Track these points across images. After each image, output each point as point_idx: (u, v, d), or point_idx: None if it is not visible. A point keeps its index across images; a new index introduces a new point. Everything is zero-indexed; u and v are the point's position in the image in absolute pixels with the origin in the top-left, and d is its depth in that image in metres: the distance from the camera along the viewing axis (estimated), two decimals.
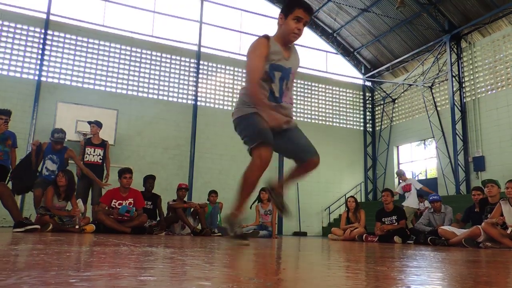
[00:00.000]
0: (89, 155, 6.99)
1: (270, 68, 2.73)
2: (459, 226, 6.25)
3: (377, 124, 17.18)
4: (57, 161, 6.25)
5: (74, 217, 5.60)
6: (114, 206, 6.10)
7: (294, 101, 15.78)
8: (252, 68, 2.71)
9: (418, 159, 15.95)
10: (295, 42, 2.97)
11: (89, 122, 7.34)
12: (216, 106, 14.54)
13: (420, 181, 14.84)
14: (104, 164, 7.11)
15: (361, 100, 17.32)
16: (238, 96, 2.87)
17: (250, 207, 10.70)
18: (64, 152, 6.36)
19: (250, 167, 2.67)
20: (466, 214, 6.51)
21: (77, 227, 5.48)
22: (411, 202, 9.28)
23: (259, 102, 2.68)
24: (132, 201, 6.21)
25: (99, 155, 7.05)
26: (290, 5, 2.73)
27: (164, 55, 14.01)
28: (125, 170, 6.39)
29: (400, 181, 9.95)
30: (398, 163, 16.27)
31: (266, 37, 2.79)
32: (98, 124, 7.23)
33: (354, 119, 17.07)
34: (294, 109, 14.11)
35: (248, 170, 2.68)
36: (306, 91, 16.23)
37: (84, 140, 7.31)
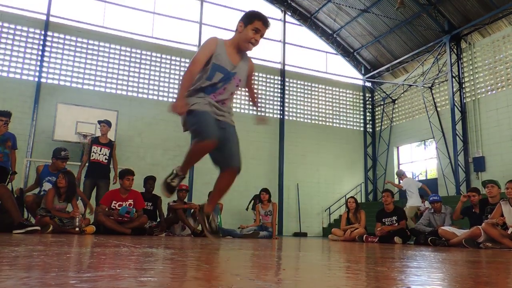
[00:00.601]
0: (95, 153, 7.05)
1: (212, 67, 2.84)
2: (457, 226, 6.25)
3: (377, 125, 17.18)
4: None
5: (74, 218, 5.60)
6: (114, 207, 6.09)
7: (295, 102, 15.91)
8: (195, 60, 2.85)
9: (418, 160, 15.95)
10: (249, 52, 3.10)
11: (99, 122, 7.40)
12: None
13: (420, 181, 14.85)
14: (111, 165, 7.19)
15: (361, 101, 17.33)
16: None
17: (247, 209, 10.73)
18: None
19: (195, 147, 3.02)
20: (463, 210, 6.51)
21: (77, 229, 5.48)
22: (414, 201, 9.26)
23: (180, 92, 2.83)
24: (132, 202, 6.21)
25: (105, 154, 7.10)
26: (251, 16, 2.90)
27: (164, 56, 14.02)
28: (128, 171, 6.38)
29: (400, 181, 9.95)
30: (398, 164, 16.27)
31: (216, 38, 2.96)
32: (108, 124, 7.34)
33: (354, 120, 17.07)
34: (294, 110, 14.02)
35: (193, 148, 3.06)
36: (306, 91, 16.24)
37: (92, 139, 7.38)
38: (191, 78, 2.84)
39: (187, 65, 14.28)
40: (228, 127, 3.01)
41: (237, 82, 2.96)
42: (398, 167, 16.24)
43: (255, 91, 3.18)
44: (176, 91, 14.01)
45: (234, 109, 15.47)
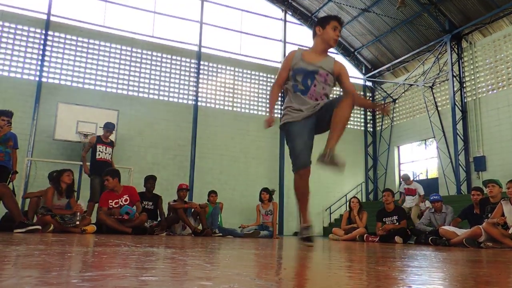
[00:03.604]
0: (101, 152, 7.21)
1: (292, 74, 3.27)
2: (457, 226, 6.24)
3: (377, 124, 17.17)
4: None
5: (76, 214, 5.62)
6: (111, 206, 6.12)
7: None
8: (277, 76, 3.38)
9: (419, 159, 15.94)
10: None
11: (106, 127, 7.47)
12: (217, 106, 14.55)
13: (421, 181, 14.84)
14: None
15: None
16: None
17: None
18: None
19: (294, 182, 3.26)
20: (463, 212, 6.50)
21: (77, 223, 5.51)
22: (409, 202, 9.28)
23: (269, 108, 3.38)
24: (128, 198, 6.22)
25: (109, 153, 7.33)
26: (326, 18, 3.34)
27: (164, 55, 14.02)
28: (105, 172, 6.35)
29: (405, 185, 9.85)
30: (399, 163, 16.27)
31: (294, 51, 3.37)
32: (113, 129, 7.61)
33: (355, 119, 17.06)
34: None
35: (294, 184, 3.26)
36: None
37: (96, 138, 7.49)
38: (274, 91, 3.37)
39: (187, 64, 14.34)
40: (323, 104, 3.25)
41: (324, 77, 3.27)
42: (399, 167, 16.24)
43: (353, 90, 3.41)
44: (176, 90, 14.02)
45: (234, 109, 15.46)
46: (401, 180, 10.21)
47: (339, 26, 3.31)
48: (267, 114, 14.55)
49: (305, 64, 3.23)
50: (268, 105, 3.36)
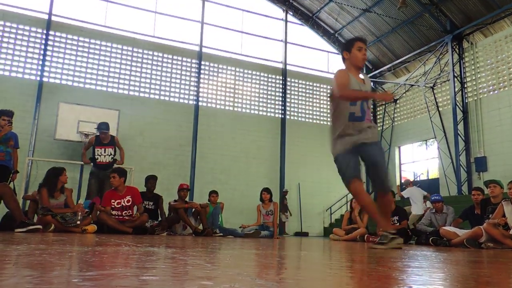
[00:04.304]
0: (100, 156, 7.08)
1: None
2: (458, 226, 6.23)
3: (378, 125, 17.16)
4: None
5: (77, 213, 5.63)
6: (113, 206, 6.12)
7: (296, 101, 15.91)
8: (339, 87, 3.41)
9: (419, 160, 15.93)
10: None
11: (99, 131, 7.29)
12: (218, 106, 14.55)
13: (422, 181, 14.83)
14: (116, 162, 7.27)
15: None
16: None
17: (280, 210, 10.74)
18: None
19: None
20: (464, 213, 6.49)
21: (78, 222, 5.52)
22: (416, 210, 9.15)
23: (358, 94, 3.41)
24: (130, 199, 6.22)
25: (110, 154, 7.15)
26: (350, 42, 3.52)
27: (165, 55, 14.03)
28: (113, 170, 6.40)
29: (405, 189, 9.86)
30: (400, 164, 16.26)
31: (343, 69, 3.52)
32: (107, 129, 7.29)
33: None
34: (296, 109, 14.03)
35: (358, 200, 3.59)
36: (307, 91, 16.23)
37: (95, 139, 7.33)
38: (347, 92, 3.41)
39: (188, 64, 14.35)
40: (373, 146, 3.46)
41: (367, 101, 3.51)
42: (400, 167, 16.24)
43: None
44: (177, 90, 14.02)
45: (235, 109, 15.47)
46: (404, 186, 10.17)
47: (364, 45, 3.48)
48: (269, 114, 14.37)
49: (358, 85, 3.41)
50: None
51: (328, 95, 3.49)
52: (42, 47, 12.35)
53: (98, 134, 7.50)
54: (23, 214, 5.10)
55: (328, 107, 16.49)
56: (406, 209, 8.27)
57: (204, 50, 14.66)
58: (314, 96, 16.31)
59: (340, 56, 16.54)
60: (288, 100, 15.69)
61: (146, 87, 13.57)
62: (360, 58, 3.42)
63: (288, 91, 15.77)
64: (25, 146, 11.06)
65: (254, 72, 15.36)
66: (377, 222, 3.52)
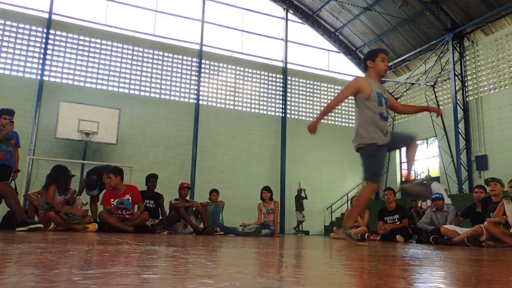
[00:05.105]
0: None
1: (378, 95, 3.69)
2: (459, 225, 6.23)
3: None
4: None
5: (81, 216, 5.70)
6: (113, 205, 6.12)
7: (297, 100, 15.91)
8: (341, 93, 3.89)
9: (420, 158, 15.92)
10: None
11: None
12: (218, 105, 14.55)
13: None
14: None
15: None
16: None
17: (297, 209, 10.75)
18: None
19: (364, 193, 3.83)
20: (465, 211, 6.48)
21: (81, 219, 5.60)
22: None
23: (320, 115, 3.94)
24: (130, 197, 6.22)
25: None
26: (374, 52, 3.87)
27: (166, 54, 14.03)
28: (108, 170, 6.30)
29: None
30: (401, 162, 16.25)
31: (361, 77, 3.89)
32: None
33: None
34: (296, 108, 14.02)
35: (364, 194, 3.81)
36: (308, 90, 16.22)
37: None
38: (338, 100, 3.97)
39: (189, 63, 14.34)
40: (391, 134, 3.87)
41: (387, 104, 3.86)
42: (401, 166, 16.23)
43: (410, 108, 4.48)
44: (177, 89, 14.02)
45: (235, 108, 15.47)
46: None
47: (387, 57, 3.88)
48: (269, 113, 14.40)
49: (381, 91, 3.76)
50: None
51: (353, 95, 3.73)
52: (43, 46, 12.35)
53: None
54: (24, 213, 5.11)
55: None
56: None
57: (204, 48, 14.65)
58: (315, 95, 16.30)
59: (341, 54, 16.48)
60: (288, 98, 15.68)
61: (147, 86, 13.57)
62: (383, 68, 3.79)
63: (288, 90, 15.76)
64: (26, 145, 11.07)
65: (254, 71, 15.35)
66: (354, 218, 3.92)
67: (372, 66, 3.81)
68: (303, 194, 13.57)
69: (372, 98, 3.65)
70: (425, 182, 3.95)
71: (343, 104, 16.78)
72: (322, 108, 16.29)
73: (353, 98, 3.84)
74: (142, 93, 13.45)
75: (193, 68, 14.37)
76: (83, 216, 5.79)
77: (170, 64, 14.06)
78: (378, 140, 3.63)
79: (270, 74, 15.61)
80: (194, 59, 14.43)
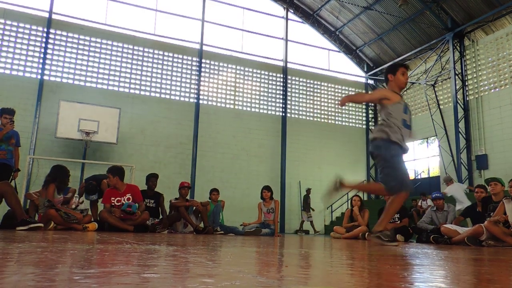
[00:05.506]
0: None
1: (405, 106, 3.81)
2: (459, 224, 6.23)
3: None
4: None
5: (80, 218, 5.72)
6: (113, 204, 6.12)
7: (297, 100, 15.90)
8: (372, 96, 4.18)
9: (420, 158, 15.92)
10: None
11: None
12: (219, 104, 14.55)
13: (423, 179, 14.82)
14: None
15: None
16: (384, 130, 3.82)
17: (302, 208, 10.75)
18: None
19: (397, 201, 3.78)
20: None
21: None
22: (461, 207, 8.65)
23: (352, 97, 4.12)
24: (130, 197, 6.22)
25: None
26: (395, 67, 4.01)
27: (166, 53, 14.02)
28: (107, 170, 6.30)
29: (446, 187, 9.62)
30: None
31: (385, 89, 4.04)
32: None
33: (357, 117, 17.04)
34: (297, 107, 14.08)
35: (396, 203, 3.78)
36: (308, 89, 16.21)
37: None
38: (365, 98, 4.54)
39: (189, 62, 14.35)
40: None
41: (411, 113, 3.99)
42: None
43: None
44: (178, 88, 14.01)
45: (235, 107, 15.47)
46: (443, 182, 9.83)
47: (407, 70, 4.06)
48: (269, 112, 14.41)
49: (404, 102, 3.90)
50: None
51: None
52: (43, 45, 12.35)
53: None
54: (24, 212, 5.11)
55: (329, 105, 16.53)
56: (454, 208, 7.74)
57: (204, 48, 14.65)
58: (315, 94, 16.29)
59: (342, 54, 16.48)
60: (289, 98, 15.68)
61: (147, 85, 13.57)
62: (403, 81, 3.96)
63: (288, 89, 15.75)
64: (26, 144, 11.07)
65: (254, 70, 15.35)
66: (385, 224, 3.86)
67: (393, 80, 3.97)
68: (310, 195, 13.66)
69: (397, 105, 3.77)
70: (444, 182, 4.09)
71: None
72: (322, 108, 16.33)
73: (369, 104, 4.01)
74: (142, 93, 13.45)
75: (193, 68, 14.36)
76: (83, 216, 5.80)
77: (170, 63, 14.05)
78: (402, 143, 3.69)
79: (270, 74, 15.61)
80: (194, 59, 14.42)
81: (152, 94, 13.60)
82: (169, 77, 13.93)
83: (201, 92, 14.24)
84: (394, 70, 3.97)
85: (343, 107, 16.74)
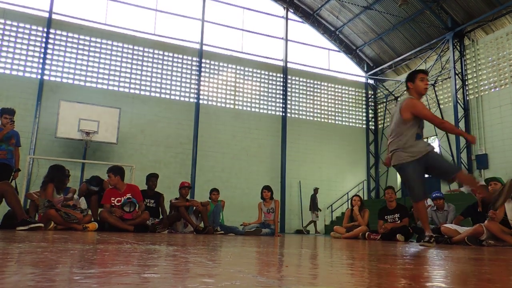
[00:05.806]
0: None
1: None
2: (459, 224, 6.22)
3: (379, 122, 17.14)
4: None
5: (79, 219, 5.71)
6: (113, 204, 6.12)
7: (297, 99, 15.90)
8: (431, 116, 4.10)
9: None
10: None
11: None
12: (219, 104, 14.55)
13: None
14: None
15: (364, 98, 17.29)
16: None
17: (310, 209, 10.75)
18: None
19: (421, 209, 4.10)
20: (466, 210, 6.47)
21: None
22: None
23: (455, 130, 4.04)
24: (131, 197, 6.22)
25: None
26: (414, 73, 4.11)
27: (166, 53, 14.02)
28: (108, 169, 6.36)
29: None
30: None
31: (415, 99, 4.09)
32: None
33: (357, 117, 17.04)
34: (297, 107, 14.06)
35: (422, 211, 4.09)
36: (308, 89, 16.21)
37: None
38: (445, 123, 4.36)
39: (189, 62, 14.31)
40: (427, 157, 4.00)
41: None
42: None
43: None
44: (178, 88, 14.01)
45: (235, 107, 15.42)
46: None
47: (426, 76, 4.09)
48: (270, 112, 14.41)
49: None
50: None
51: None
52: (43, 45, 12.35)
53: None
54: (24, 212, 5.11)
55: (329, 105, 16.53)
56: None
57: (204, 48, 14.64)
58: (315, 94, 16.29)
59: (341, 53, 16.49)
60: (289, 98, 15.68)
61: (147, 85, 13.57)
62: (423, 87, 4.02)
63: (289, 89, 15.75)
64: (26, 144, 11.07)
65: (254, 70, 15.35)
66: (427, 227, 4.09)
67: (413, 87, 4.03)
68: (317, 195, 13.70)
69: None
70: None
71: (342, 103, 16.79)
72: (322, 108, 16.33)
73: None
74: (142, 92, 13.45)
75: (193, 67, 14.36)
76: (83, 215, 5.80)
77: (170, 63, 14.05)
78: (423, 152, 3.87)
79: (270, 73, 15.61)
80: (194, 58, 14.42)
81: (152, 94, 13.60)
82: (169, 77, 13.93)
83: (201, 92, 14.24)
84: (413, 77, 4.02)
85: (343, 109, 16.75)
